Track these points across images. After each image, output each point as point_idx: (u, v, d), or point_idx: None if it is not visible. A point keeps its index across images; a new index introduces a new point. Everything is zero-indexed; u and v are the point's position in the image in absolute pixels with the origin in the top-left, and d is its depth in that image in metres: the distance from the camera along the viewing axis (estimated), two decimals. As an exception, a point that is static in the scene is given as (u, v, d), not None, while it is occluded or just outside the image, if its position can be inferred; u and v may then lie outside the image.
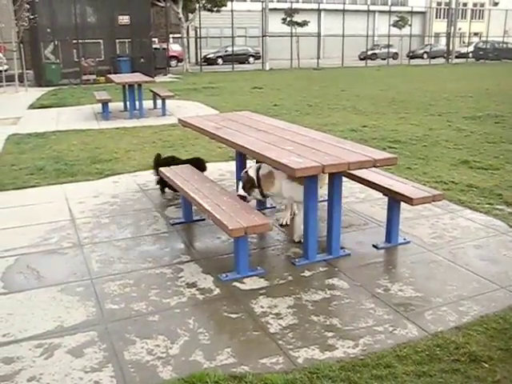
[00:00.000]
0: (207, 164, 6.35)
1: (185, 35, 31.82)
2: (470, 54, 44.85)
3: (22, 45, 21.59)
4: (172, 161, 6.03)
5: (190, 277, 4.12)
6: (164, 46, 29.79)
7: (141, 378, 2.92)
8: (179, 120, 6.26)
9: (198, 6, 32.06)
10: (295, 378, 2.87)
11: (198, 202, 4.39)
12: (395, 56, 43.43)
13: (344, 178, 4.46)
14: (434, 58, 42.95)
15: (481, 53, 44.25)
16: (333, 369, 2.94)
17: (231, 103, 14.67)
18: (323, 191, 4.68)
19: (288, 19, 36.85)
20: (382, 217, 4.97)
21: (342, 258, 4.43)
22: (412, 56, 43.20)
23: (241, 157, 5.75)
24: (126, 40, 24.88)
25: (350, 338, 3.28)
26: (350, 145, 4.66)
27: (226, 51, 38.69)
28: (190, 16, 32.89)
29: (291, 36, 35.66)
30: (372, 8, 42.11)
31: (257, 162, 4.92)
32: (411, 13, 43.10)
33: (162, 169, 5.51)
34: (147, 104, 13.08)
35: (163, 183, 5.92)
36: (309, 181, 4.14)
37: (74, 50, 23.26)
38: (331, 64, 36.01)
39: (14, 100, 16.86)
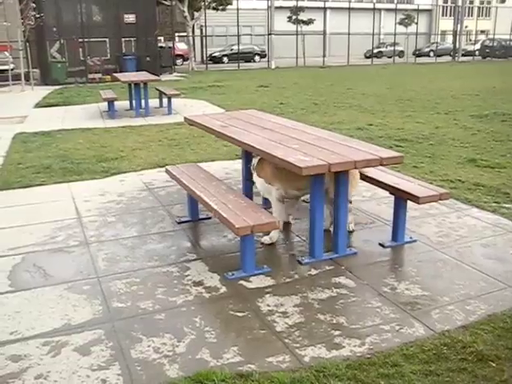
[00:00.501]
0: (213, 162, 6.34)
1: (190, 34, 31.83)
2: (477, 52, 44.66)
3: (28, 44, 21.64)
4: None
5: (197, 275, 4.13)
6: (170, 44, 29.82)
7: (147, 376, 2.92)
8: (185, 118, 6.26)
9: (203, 4, 32.09)
10: (302, 376, 2.87)
11: (205, 201, 4.39)
12: (401, 54, 43.31)
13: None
14: (440, 56, 42.82)
15: (487, 51, 44.06)
16: (339, 367, 2.93)
17: (237, 101, 14.66)
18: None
19: (294, 17, 36.82)
20: (389, 215, 4.96)
21: (349, 257, 4.42)
22: (418, 54, 43.10)
23: (247, 155, 5.74)
24: (132, 39, 24.90)
25: (357, 336, 3.27)
26: (357, 143, 4.65)
27: (232, 50, 38.68)
28: (196, 14, 32.91)
29: (297, 34, 35.62)
30: (378, 6, 42.03)
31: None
32: (417, 11, 42.94)
33: (168, 167, 5.51)
34: (153, 103, 13.10)
35: None
36: (315, 179, 4.14)
37: (80, 49, 23.28)
38: (337, 62, 35.96)
39: (20, 99, 16.92)
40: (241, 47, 35.95)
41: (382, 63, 37.31)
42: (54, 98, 16.47)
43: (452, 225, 5.13)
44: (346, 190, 4.31)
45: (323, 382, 2.81)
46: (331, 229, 4.53)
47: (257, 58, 40.77)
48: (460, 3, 42.54)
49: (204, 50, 35.37)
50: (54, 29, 22.53)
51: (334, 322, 3.44)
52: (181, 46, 35.41)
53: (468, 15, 50.75)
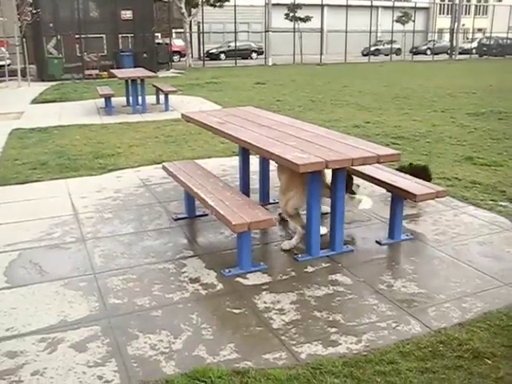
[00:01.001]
0: (210, 159, 6.34)
1: (187, 30, 31.78)
2: (474, 50, 44.74)
3: (24, 39, 21.57)
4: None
5: (193, 272, 4.13)
6: (167, 41, 29.80)
7: (144, 372, 2.92)
8: (182, 115, 6.25)
9: (200, 0, 32.05)
10: (298, 373, 2.87)
11: (202, 197, 4.38)
12: (398, 52, 43.32)
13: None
14: (437, 54, 42.88)
15: (484, 49, 44.15)
16: (336, 364, 2.93)
17: (234, 98, 14.65)
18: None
19: (291, 14, 36.74)
20: (386, 213, 4.96)
21: (345, 254, 4.42)
22: (415, 52, 43.12)
23: (244, 152, 5.74)
24: (129, 35, 24.84)
25: (353, 333, 3.28)
26: (354, 141, 4.65)
27: (229, 46, 38.63)
28: (193, 11, 32.86)
29: (294, 31, 35.58)
30: (375, 3, 41.95)
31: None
32: (415, 8, 42.97)
33: (165, 164, 5.51)
34: (150, 99, 13.08)
35: None
36: (312, 177, 4.14)
37: (77, 45, 23.21)
38: (334, 60, 35.97)
39: (17, 95, 16.86)
40: (238, 44, 35.92)
41: (379, 61, 37.35)
42: (50, 94, 16.43)
43: (448, 222, 5.14)
44: (343, 187, 4.31)
45: (319, 379, 2.81)
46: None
47: (254, 54, 40.76)
48: (457, 1, 42.57)
49: (201, 46, 35.40)
50: (51, 24, 22.48)
51: (331, 319, 3.44)
52: (178, 43, 35.42)
53: (465, 13, 50.80)
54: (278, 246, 4.64)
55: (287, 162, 3.97)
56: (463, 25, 46.94)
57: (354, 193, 4.80)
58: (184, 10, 30.71)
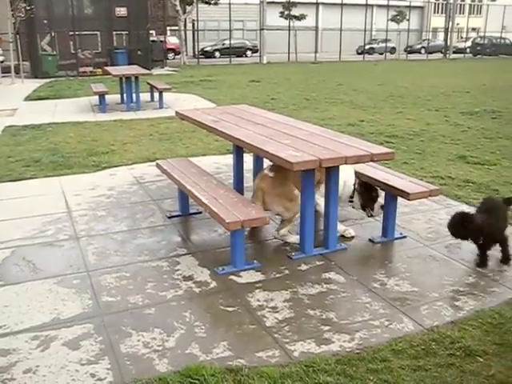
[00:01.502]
0: (204, 157, 6.33)
1: (182, 28, 31.67)
2: (468, 50, 44.84)
3: (18, 36, 21.46)
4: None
5: (187, 270, 4.12)
6: (161, 38, 29.71)
7: (137, 370, 2.92)
8: (176, 113, 6.24)
9: (195, -2, 31.96)
10: (291, 371, 2.87)
11: (195, 195, 4.38)
12: (393, 51, 43.38)
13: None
14: (431, 52, 42.96)
15: (478, 48, 44.28)
16: (329, 362, 2.94)
17: (229, 96, 14.64)
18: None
19: (286, 12, 36.71)
20: (379, 211, 4.97)
21: (339, 252, 4.43)
22: (410, 51, 43.18)
23: (238, 150, 5.74)
24: (123, 32, 24.75)
25: (346, 331, 3.28)
26: (348, 139, 4.66)
27: (224, 44, 38.58)
28: (188, 8, 32.76)
29: (289, 29, 35.55)
30: (370, 2, 41.90)
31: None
32: (409, 7, 43.06)
33: (159, 161, 5.50)
34: (144, 96, 13.05)
35: None
36: (305, 175, 4.14)
37: (71, 42, 23.12)
38: (329, 58, 35.98)
39: (10, 91, 16.79)
40: (233, 42, 35.87)
41: (373, 59, 37.39)
42: (44, 91, 16.36)
43: (442, 221, 5.15)
44: (337, 185, 4.32)
45: (312, 377, 2.82)
46: None
47: (249, 52, 40.70)
48: (452, 0, 42.62)
49: (196, 44, 35.30)
50: (45, 21, 22.35)
51: (324, 317, 3.45)
52: (172, 40, 35.33)
53: (459, 12, 50.90)
54: (271, 244, 4.64)
55: (281, 160, 3.98)
56: (457, 24, 47.05)
57: (372, 209, 4.84)
58: (179, 8, 30.63)
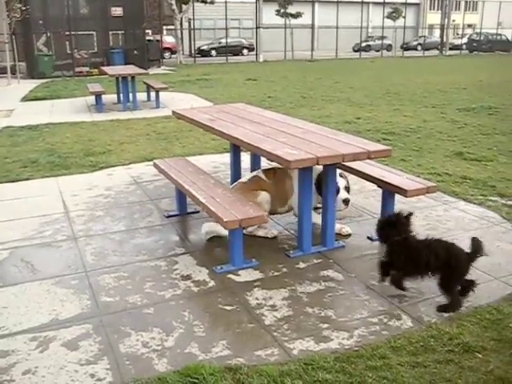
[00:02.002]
0: (202, 156, 6.33)
1: (178, 27, 31.66)
2: (464, 46, 44.91)
3: (14, 36, 21.39)
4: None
5: (185, 269, 4.13)
6: (157, 37, 29.66)
7: (136, 370, 2.92)
8: (173, 112, 6.23)
9: (191, -3, 31.91)
10: (290, 369, 2.88)
11: (193, 195, 4.38)
12: (389, 48, 43.38)
13: (338, 170, 4.47)
14: (427, 49, 42.96)
15: (474, 44, 44.33)
16: (328, 360, 2.95)
17: (225, 95, 14.63)
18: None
19: (282, 11, 36.67)
20: (377, 208, 4.99)
21: (337, 250, 4.44)
22: (406, 48, 43.17)
23: (235, 149, 5.74)
24: (119, 32, 24.72)
25: (345, 329, 3.29)
26: (345, 137, 4.66)
27: (220, 43, 38.54)
28: (184, 7, 32.70)
29: (285, 28, 35.51)
30: (366, -1, 42.08)
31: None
32: (405, 4, 42.96)
33: (156, 161, 5.49)
34: (141, 96, 13.03)
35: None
36: (303, 173, 4.15)
37: (67, 42, 23.06)
38: (325, 56, 35.96)
39: (7, 92, 16.75)
40: (229, 40, 35.85)
41: (370, 57, 37.36)
42: (40, 91, 16.33)
43: (439, 217, 5.17)
44: (334, 182, 4.33)
45: (311, 375, 2.82)
46: None
47: (245, 51, 40.62)
48: (447, -3, 42.67)
49: (192, 43, 35.22)
50: (41, 21, 22.31)
51: (323, 315, 3.46)
52: (169, 40, 35.25)
53: (455, 9, 50.92)
54: (269, 243, 4.64)
55: (278, 158, 3.98)
56: (453, 21, 47.07)
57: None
58: (175, 7, 30.60)
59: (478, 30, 46.49)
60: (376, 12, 45.45)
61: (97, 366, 2.96)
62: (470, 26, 51.60)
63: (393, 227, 3.60)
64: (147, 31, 27.80)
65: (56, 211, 5.45)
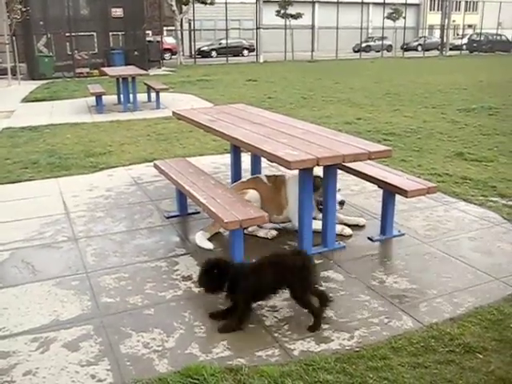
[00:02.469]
0: (202, 157, 6.32)
1: (178, 28, 31.67)
2: (464, 46, 44.89)
3: (14, 38, 21.41)
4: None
5: (186, 270, 4.12)
6: (158, 38, 29.67)
7: (137, 371, 2.92)
8: (173, 113, 6.24)
9: (191, -2, 31.92)
10: (291, 370, 2.88)
11: (193, 195, 4.38)
12: (389, 48, 43.39)
13: (338, 171, 4.47)
14: (428, 50, 42.96)
15: (475, 45, 44.32)
16: (328, 361, 2.94)
17: (226, 96, 14.63)
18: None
19: (282, 11, 36.69)
20: (377, 209, 4.98)
21: (337, 251, 4.43)
22: (406, 48, 43.16)
23: (235, 150, 5.74)
24: (120, 33, 24.75)
25: (346, 330, 3.29)
26: (345, 137, 4.66)
27: (220, 44, 38.56)
28: (184, 8, 32.71)
29: (285, 28, 35.52)
30: (366, 0, 41.97)
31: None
32: (405, 5, 42.97)
33: (156, 162, 5.49)
34: (141, 97, 13.04)
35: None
36: (303, 174, 4.14)
37: (67, 43, 23.08)
38: (325, 56, 35.97)
39: (7, 93, 16.76)
40: (229, 41, 35.87)
41: (370, 57, 37.36)
42: (41, 92, 16.34)
43: (440, 218, 5.17)
44: (335, 183, 4.33)
45: (312, 376, 2.82)
46: None
47: (245, 52, 40.65)
48: (448, -3, 42.67)
49: (192, 44, 35.23)
50: (41, 23, 22.33)
51: (323, 315, 3.45)
52: (169, 40, 35.26)
53: (455, 9, 50.92)
54: (269, 243, 4.64)
55: (278, 159, 3.98)
56: (454, 21, 47.07)
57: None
58: (175, 8, 30.60)
59: (478, 31, 46.47)
60: (376, 12, 45.46)
61: (97, 366, 2.96)
62: (470, 26, 51.60)
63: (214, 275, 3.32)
64: (147, 32, 27.83)
65: (56, 212, 5.45)
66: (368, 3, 45.71)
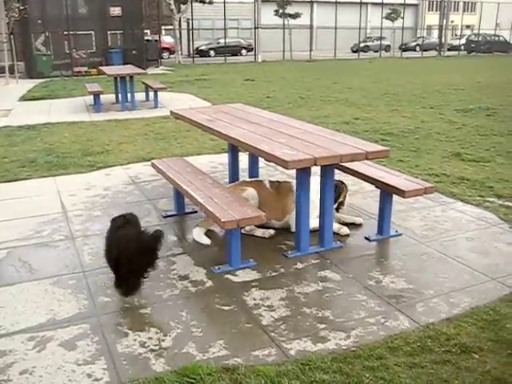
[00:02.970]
0: (200, 156, 6.32)
1: (177, 27, 31.65)
2: (462, 47, 44.92)
3: (12, 36, 21.38)
4: None
5: (183, 269, 4.13)
6: (156, 37, 29.66)
7: (133, 370, 2.92)
8: (171, 112, 6.23)
9: (190, -3, 31.90)
10: (287, 369, 2.88)
11: (191, 195, 4.38)
12: (388, 48, 43.45)
13: (336, 171, 4.47)
14: (426, 50, 42.99)
15: (473, 45, 44.37)
16: (325, 360, 2.95)
17: (224, 95, 14.63)
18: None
19: (280, 11, 36.68)
20: (374, 209, 4.99)
21: (335, 250, 4.44)
22: (404, 48, 43.22)
23: (233, 149, 5.75)
24: (118, 32, 24.69)
25: (342, 329, 3.29)
26: (343, 137, 4.67)
27: (219, 43, 38.53)
28: (182, 7, 32.70)
29: (284, 28, 35.51)
30: (365, 0, 41.99)
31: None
32: (404, 5, 43.00)
33: (154, 161, 5.49)
34: (139, 96, 13.04)
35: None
36: (301, 173, 4.15)
37: (66, 42, 23.03)
38: (324, 56, 35.99)
39: (5, 92, 16.72)
40: (227, 41, 35.82)
41: (368, 57, 37.38)
42: (39, 91, 16.31)
43: (437, 218, 5.17)
44: (332, 183, 4.33)
45: (309, 375, 2.82)
46: None
47: (243, 51, 40.62)
48: (446, -2, 42.71)
49: (190, 43, 35.22)
50: (39, 21, 22.28)
51: (320, 315, 3.46)
52: (167, 40, 35.24)
53: (454, 10, 50.94)
54: (267, 243, 4.64)
55: (275, 159, 3.98)
56: (452, 21, 47.13)
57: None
58: (173, 7, 30.59)
59: (476, 31, 46.53)
60: (374, 13, 45.45)
61: (94, 365, 2.96)
62: (468, 26, 51.67)
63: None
64: (146, 31, 27.76)
65: (54, 211, 5.44)
66: (366, 3, 45.69)
